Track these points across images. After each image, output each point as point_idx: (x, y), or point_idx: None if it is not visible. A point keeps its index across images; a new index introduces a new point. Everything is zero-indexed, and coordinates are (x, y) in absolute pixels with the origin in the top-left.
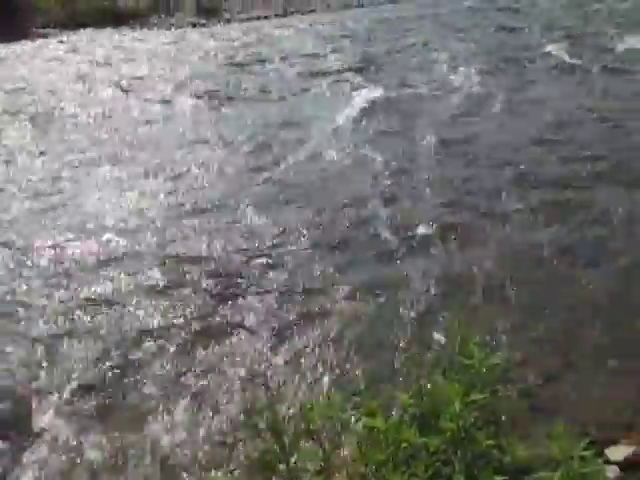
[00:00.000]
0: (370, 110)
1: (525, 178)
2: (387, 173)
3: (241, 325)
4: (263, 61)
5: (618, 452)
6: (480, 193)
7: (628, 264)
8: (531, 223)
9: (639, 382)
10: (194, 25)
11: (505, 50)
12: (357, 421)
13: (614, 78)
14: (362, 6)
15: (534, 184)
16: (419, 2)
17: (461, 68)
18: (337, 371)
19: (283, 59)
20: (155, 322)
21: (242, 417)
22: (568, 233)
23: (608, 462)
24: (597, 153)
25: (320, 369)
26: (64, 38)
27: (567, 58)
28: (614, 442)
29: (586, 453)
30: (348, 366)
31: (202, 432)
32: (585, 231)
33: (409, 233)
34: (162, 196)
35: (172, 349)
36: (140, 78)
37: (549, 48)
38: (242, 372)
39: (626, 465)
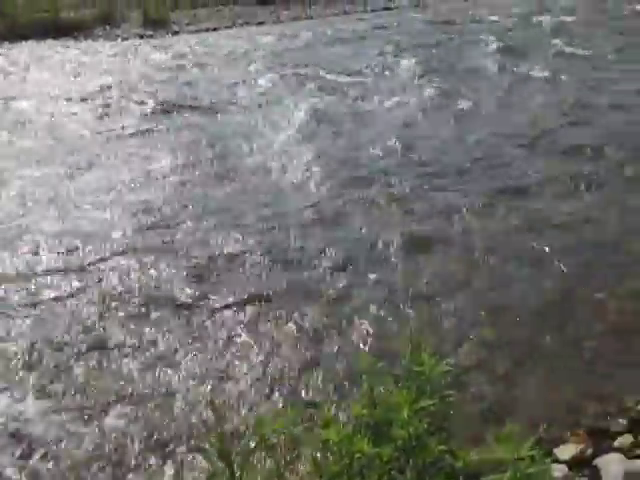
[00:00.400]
0: (312, 119)
1: (464, 185)
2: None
3: (191, 339)
4: (208, 72)
5: (566, 451)
6: (426, 200)
7: (574, 265)
8: (479, 227)
9: (585, 381)
10: (141, 37)
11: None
12: (311, 434)
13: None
14: (311, 18)
15: (482, 189)
16: (367, 18)
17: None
18: (290, 383)
19: (228, 70)
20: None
21: (190, 437)
22: (513, 237)
23: (557, 461)
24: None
25: (272, 381)
26: (2, 50)
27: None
28: (563, 441)
29: (533, 453)
30: (301, 377)
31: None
32: (529, 235)
33: (353, 247)
34: (103, 209)
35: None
36: (83, 90)
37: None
38: (190, 387)
39: (573, 463)
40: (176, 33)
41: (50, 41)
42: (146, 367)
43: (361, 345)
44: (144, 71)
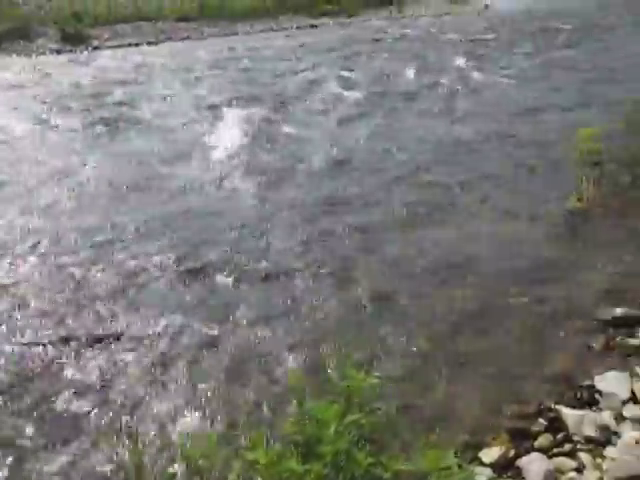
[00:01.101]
0: (243, 135)
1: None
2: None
3: (115, 360)
4: (125, 87)
5: (490, 454)
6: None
7: (491, 274)
8: (400, 239)
9: (507, 385)
10: (58, 52)
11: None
12: (239, 455)
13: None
14: (236, 34)
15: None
16: (293, 35)
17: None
18: (220, 404)
19: (147, 85)
20: None
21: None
22: (434, 249)
23: (482, 464)
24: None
25: (200, 402)
26: None
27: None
28: (487, 445)
29: (455, 461)
30: (231, 398)
31: None
32: (448, 244)
33: (280, 263)
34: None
35: None
36: None
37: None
38: (105, 413)
39: (497, 466)
40: (96, 48)
41: None
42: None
43: (290, 361)
44: (59, 88)
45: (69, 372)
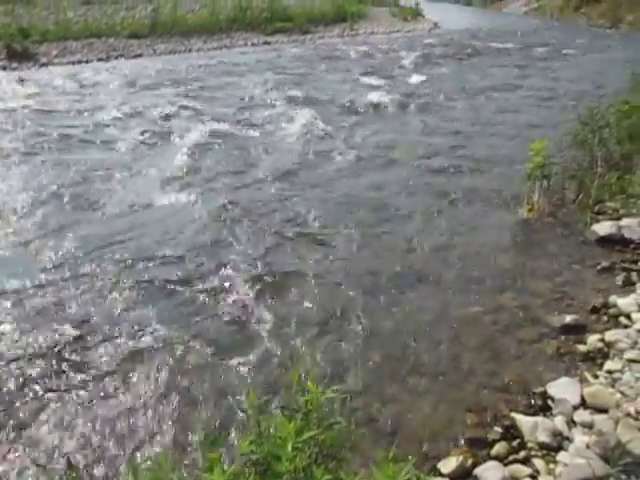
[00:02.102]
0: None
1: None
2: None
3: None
4: (71, 104)
5: (448, 464)
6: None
7: (447, 284)
8: (353, 250)
9: (464, 394)
10: (4, 68)
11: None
12: (194, 477)
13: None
14: (190, 51)
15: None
16: (247, 52)
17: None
18: (176, 424)
19: (95, 102)
20: None
21: None
22: (389, 261)
23: (441, 475)
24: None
25: (153, 423)
26: None
27: None
28: (445, 455)
29: (414, 473)
30: (185, 418)
31: None
32: (402, 256)
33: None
34: None
35: None
36: None
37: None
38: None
39: (455, 476)
40: (44, 65)
41: None
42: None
43: (247, 378)
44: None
45: None
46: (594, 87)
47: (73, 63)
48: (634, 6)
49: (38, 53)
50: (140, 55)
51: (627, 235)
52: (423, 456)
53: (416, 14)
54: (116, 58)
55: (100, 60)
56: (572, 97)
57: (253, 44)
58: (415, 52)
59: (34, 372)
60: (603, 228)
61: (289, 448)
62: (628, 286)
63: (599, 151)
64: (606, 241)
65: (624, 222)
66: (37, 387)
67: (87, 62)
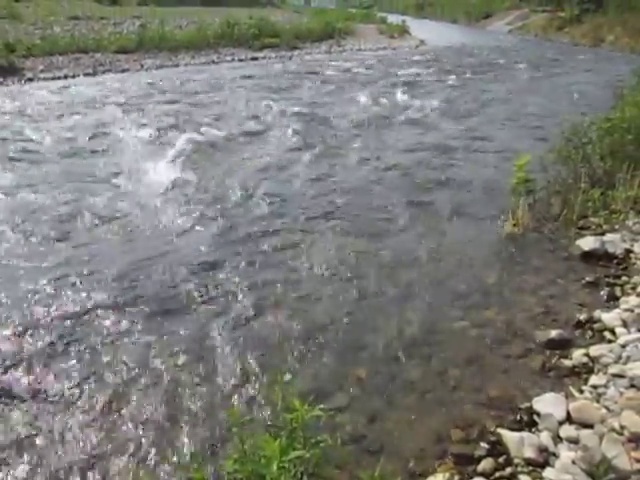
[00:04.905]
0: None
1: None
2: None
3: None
4: (55, 120)
5: None
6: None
7: (433, 299)
8: (339, 265)
9: (450, 410)
10: None
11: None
12: None
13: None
14: (177, 66)
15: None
16: (236, 67)
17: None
18: (162, 442)
19: (80, 117)
20: None
21: None
22: (374, 276)
23: None
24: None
25: (140, 441)
26: None
27: None
28: (432, 472)
29: None
30: (173, 436)
31: None
32: (388, 270)
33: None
34: None
35: None
36: None
37: None
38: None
39: None
40: (30, 80)
41: None
42: None
43: (232, 396)
44: None
45: None
46: (577, 103)
47: (59, 78)
48: (615, 26)
49: (24, 68)
50: (127, 70)
51: (610, 250)
52: (410, 473)
53: (403, 31)
54: (103, 73)
55: (87, 75)
56: (556, 112)
57: (240, 59)
58: (401, 69)
59: None
60: (587, 243)
61: (274, 467)
62: (612, 301)
63: (583, 167)
64: (590, 256)
65: (607, 237)
66: None
67: (74, 77)
